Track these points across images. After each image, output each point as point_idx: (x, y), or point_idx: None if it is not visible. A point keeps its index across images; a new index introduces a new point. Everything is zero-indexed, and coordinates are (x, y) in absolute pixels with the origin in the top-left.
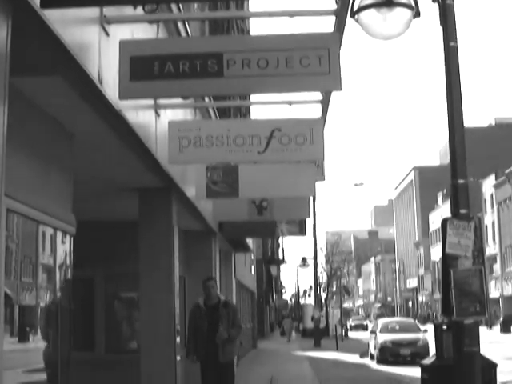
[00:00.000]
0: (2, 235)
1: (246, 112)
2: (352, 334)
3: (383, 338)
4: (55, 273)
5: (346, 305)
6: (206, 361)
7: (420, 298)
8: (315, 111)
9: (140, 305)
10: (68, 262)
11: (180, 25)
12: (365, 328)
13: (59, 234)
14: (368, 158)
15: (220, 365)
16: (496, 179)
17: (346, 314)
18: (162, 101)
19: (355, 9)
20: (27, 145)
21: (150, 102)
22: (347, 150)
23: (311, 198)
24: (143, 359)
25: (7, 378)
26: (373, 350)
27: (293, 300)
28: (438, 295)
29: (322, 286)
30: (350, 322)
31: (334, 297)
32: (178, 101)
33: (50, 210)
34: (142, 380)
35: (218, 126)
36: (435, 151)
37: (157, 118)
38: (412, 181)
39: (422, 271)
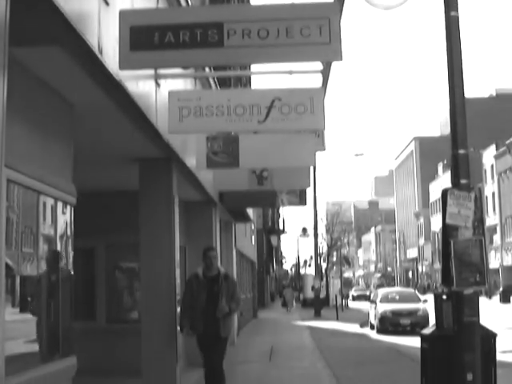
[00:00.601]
0: (3, 206)
1: (247, 82)
2: (355, 304)
3: (383, 307)
4: (56, 243)
5: (346, 275)
6: (204, 334)
7: (420, 268)
8: (316, 81)
9: (141, 275)
10: (69, 232)
11: None
12: (367, 298)
13: (60, 205)
14: (368, 128)
15: (219, 339)
16: (496, 150)
17: (347, 284)
18: (162, 71)
19: None
20: (27, 115)
21: (150, 72)
22: (348, 120)
23: (311, 168)
24: (144, 329)
25: (9, 348)
26: (373, 320)
27: (293, 270)
28: (438, 265)
29: (323, 256)
30: (353, 292)
31: (335, 267)
32: (179, 71)
33: (50, 181)
34: (143, 349)
35: (219, 95)
36: (436, 122)
37: (157, 88)
38: (412, 151)
39: (422, 241)
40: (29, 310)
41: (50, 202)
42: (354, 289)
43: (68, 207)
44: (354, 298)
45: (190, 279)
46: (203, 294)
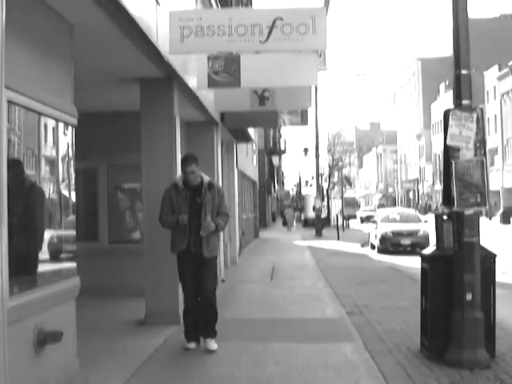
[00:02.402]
0: (4, 127)
1: (248, 1)
2: (362, 227)
3: (384, 228)
4: (58, 165)
5: (349, 195)
6: (188, 254)
7: (421, 189)
8: (318, 0)
9: (142, 195)
10: (70, 153)
11: None
12: None
13: (61, 126)
14: (371, 48)
15: (204, 260)
16: (499, 71)
17: (353, 204)
18: None
19: None
20: (27, 36)
21: None
22: (350, 41)
23: (313, 88)
24: (146, 249)
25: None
26: (373, 240)
27: (294, 190)
28: (438, 186)
29: (324, 177)
30: (361, 214)
31: (336, 187)
32: None
33: (51, 102)
34: (145, 269)
35: (220, 15)
36: (439, 43)
37: (157, 8)
38: (415, 72)
39: (423, 162)
40: (31, 231)
41: (51, 123)
42: (362, 210)
43: (69, 128)
44: (362, 220)
45: (168, 191)
46: (184, 207)
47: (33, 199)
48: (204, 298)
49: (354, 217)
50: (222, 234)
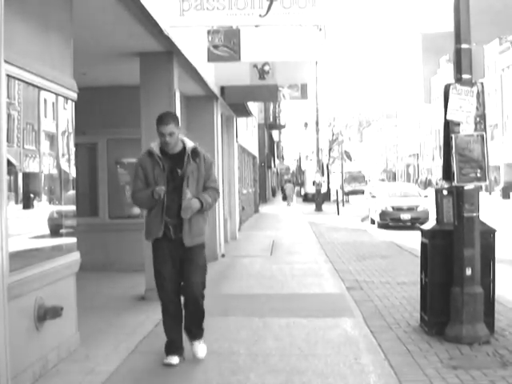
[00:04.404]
0: (3, 102)
1: None
2: (363, 202)
3: (384, 202)
4: (58, 139)
5: (353, 169)
6: (166, 240)
7: (421, 164)
8: None
9: None
10: (70, 128)
11: None
12: None
13: (61, 100)
14: (372, 22)
15: (186, 249)
16: (500, 45)
17: (359, 179)
18: None
19: None
20: (26, 9)
21: None
22: (350, 14)
23: (313, 62)
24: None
25: (12, 245)
26: (373, 215)
27: (295, 165)
28: (438, 161)
29: (324, 151)
30: (370, 189)
31: (336, 160)
32: None
33: (50, 76)
34: (146, 244)
35: None
36: (440, 17)
37: None
38: (416, 47)
39: (423, 136)
40: (32, 206)
41: (51, 98)
42: (371, 185)
43: (69, 103)
44: (373, 196)
45: (141, 160)
46: (162, 180)
47: None
48: (189, 298)
49: (362, 192)
50: (219, 211)
